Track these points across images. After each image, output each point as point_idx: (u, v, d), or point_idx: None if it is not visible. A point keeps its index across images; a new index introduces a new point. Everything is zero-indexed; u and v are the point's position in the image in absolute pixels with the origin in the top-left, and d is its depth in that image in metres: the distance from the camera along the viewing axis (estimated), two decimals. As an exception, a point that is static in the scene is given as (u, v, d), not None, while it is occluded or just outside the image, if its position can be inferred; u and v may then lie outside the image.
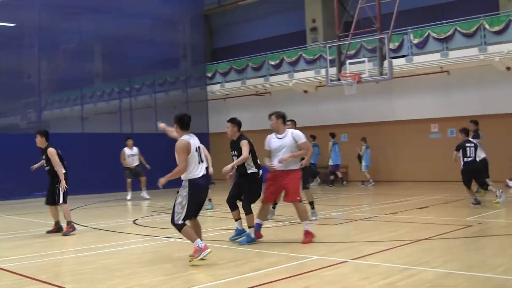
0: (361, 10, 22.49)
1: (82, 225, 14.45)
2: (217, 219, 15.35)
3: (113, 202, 21.76)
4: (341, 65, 23.06)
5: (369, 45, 24.17)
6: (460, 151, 15.80)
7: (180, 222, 8.98)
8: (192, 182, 9.02)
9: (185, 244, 10.32)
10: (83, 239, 12.47)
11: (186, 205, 8.96)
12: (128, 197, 22.19)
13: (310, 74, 27.61)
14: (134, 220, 15.30)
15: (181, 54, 32.24)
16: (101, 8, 27.56)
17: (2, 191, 22.24)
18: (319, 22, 30.23)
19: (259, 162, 11.04)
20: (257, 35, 34.30)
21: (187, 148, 8.96)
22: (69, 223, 13.16)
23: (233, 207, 11.24)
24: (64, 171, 13.17)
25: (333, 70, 23.38)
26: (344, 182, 26.44)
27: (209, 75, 31.91)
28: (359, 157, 25.90)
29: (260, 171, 11.03)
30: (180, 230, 9.08)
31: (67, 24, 27.36)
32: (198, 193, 9.12)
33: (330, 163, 26.14)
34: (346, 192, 23.22)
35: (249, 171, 10.91)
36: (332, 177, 26.28)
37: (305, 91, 28.95)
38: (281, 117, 10.95)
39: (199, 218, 9.54)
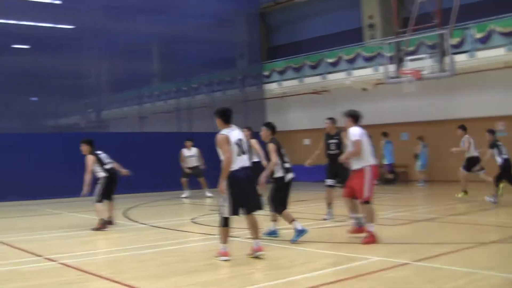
0: (420, 5, 22.08)
1: (142, 223, 14.57)
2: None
3: (172, 200, 21.88)
4: (400, 62, 22.71)
5: (429, 41, 23.67)
6: (495, 149, 16.60)
7: (227, 215, 9.07)
8: (231, 174, 9.05)
9: (245, 243, 10.26)
10: (144, 237, 12.55)
11: (228, 198, 9.02)
12: (184, 195, 22.33)
13: (368, 71, 27.10)
14: (193, 219, 15.31)
15: (237, 53, 32.27)
16: (158, 8, 27.81)
17: (64, 189, 22.58)
18: (377, 18, 29.71)
19: (287, 166, 10.93)
20: (314, 32, 33.95)
21: (227, 140, 9.06)
22: (100, 220, 13.58)
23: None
24: (104, 175, 13.79)
25: (392, 67, 23.08)
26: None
27: (266, 73, 31.77)
28: (416, 156, 25.48)
29: (289, 176, 10.91)
30: (220, 225, 9.21)
31: (125, 25, 27.67)
32: (238, 185, 9.07)
33: (385, 162, 25.86)
34: (407, 192, 22.87)
35: (275, 175, 10.89)
36: (391, 175, 25.99)
37: (364, 89, 28.48)
38: (349, 115, 10.96)
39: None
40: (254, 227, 9.36)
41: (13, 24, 24.42)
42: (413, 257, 9.03)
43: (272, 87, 31.42)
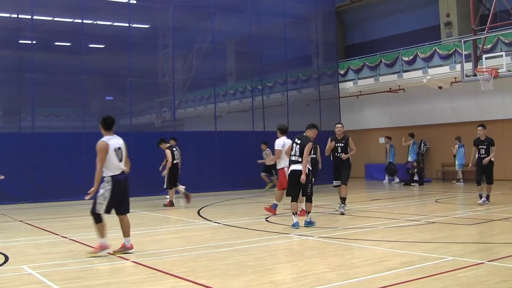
0: (497, 2, 21.65)
1: (216, 222, 14.69)
2: (350, 217, 15.16)
3: (246, 199, 21.97)
4: (477, 60, 22.41)
5: (506, 39, 23.20)
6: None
7: (101, 212, 9.93)
8: (114, 179, 9.97)
9: (318, 242, 10.32)
10: (217, 236, 12.69)
11: (108, 198, 9.92)
12: None
13: (444, 69, 26.70)
14: (267, 218, 15.36)
15: (313, 52, 32.10)
16: (234, 7, 27.94)
17: (137, 188, 22.81)
18: (454, 16, 29.29)
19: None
20: (390, 31, 33.73)
21: (106, 149, 9.89)
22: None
23: None
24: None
25: (468, 65, 22.87)
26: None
27: (342, 72, 31.61)
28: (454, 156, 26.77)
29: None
30: (95, 222, 10.00)
31: (200, 24, 27.95)
32: (118, 188, 10.00)
33: (409, 160, 27.27)
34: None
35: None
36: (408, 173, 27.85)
37: (440, 87, 28.02)
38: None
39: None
40: (126, 227, 10.29)
41: (89, 24, 24.99)
42: (488, 257, 9.00)
43: (348, 86, 31.22)
